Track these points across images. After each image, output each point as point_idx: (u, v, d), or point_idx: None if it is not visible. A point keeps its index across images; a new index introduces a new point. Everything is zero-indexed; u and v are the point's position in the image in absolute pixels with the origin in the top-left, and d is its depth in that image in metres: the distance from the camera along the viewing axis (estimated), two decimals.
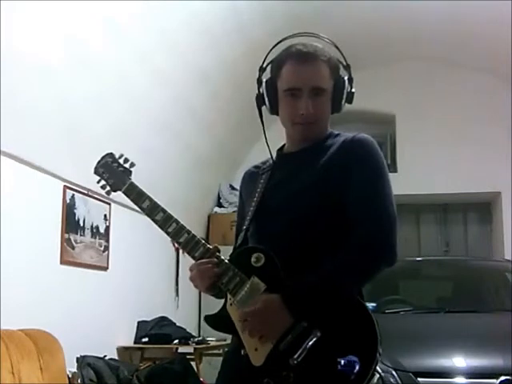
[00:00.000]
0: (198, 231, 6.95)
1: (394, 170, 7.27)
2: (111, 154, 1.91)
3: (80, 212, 4.54)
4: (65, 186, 4.36)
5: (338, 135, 1.79)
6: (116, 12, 4.18)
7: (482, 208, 7.72)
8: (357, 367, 1.48)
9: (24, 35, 3.57)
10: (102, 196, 4.78)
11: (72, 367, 4.09)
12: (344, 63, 1.78)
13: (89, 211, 4.66)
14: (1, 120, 3.53)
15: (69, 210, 4.41)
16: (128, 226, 5.20)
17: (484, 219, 7.74)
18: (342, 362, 1.48)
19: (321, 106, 1.72)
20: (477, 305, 4.10)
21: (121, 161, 1.88)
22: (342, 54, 1.79)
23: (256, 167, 1.90)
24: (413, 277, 4.68)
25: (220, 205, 7.20)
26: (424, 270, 4.81)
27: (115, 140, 4.66)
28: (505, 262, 5.34)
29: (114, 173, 1.87)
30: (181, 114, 5.65)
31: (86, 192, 4.56)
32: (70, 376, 4.02)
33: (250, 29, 5.62)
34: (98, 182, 1.91)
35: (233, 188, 7.17)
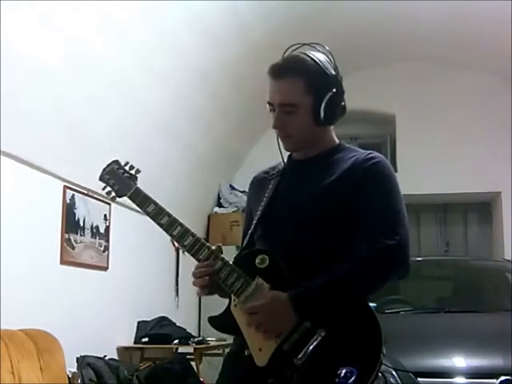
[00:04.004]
0: (198, 231, 6.95)
1: (394, 170, 7.24)
2: (117, 161, 1.92)
3: (80, 212, 4.54)
4: (65, 186, 4.36)
5: (348, 148, 1.80)
6: (116, 12, 4.18)
7: (482, 208, 7.72)
8: (353, 378, 1.48)
9: (24, 35, 3.57)
10: (102, 196, 4.77)
11: (72, 367, 4.09)
12: (332, 74, 1.73)
13: (89, 211, 4.65)
14: (1, 120, 3.54)
15: (69, 210, 4.41)
16: (128, 226, 5.20)
17: (484, 219, 7.74)
18: (342, 372, 1.49)
19: (293, 120, 1.72)
20: (477, 305, 4.10)
21: (126, 167, 1.89)
22: (335, 66, 1.75)
23: (265, 172, 1.91)
24: (413, 277, 4.65)
25: (220, 205, 7.19)
26: (424, 270, 4.81)
27: (115, 140, 4.66)
28: (505, 262, 5.34)
29: (119, 179, 1.88)
30: (181, 114, 5.65)
31: (85, 192, 4.56)
32: (70, 376, 4.02)
33: (249, 29, 5.61)
34: (104, 189, 1.92)
35: (233, 188, 7.17)
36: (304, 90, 1.70)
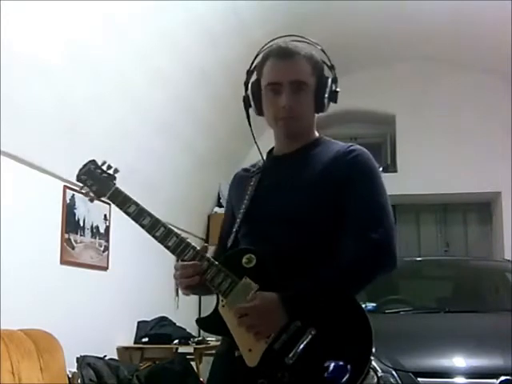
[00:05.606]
0: (198, 231, 6.95)
1: (394, 170, 7.27)
2: (93, 160, 1.89)
3: (80, 212, 4.54)
4: (65, 186, 4.35)
5: (328, 141, 1.80)
6: (116, 12, 4.18)
7: (482, 208, 7.73)
8: (347, 375, 1.48)
9: (24, 35, 3.57)
10: None
11: (72, 367, 4.09)
12: (328, 64, 1.77)
13: (89, 211, 4.65)
14: (1, 120, 3.54)
15: (69, 210, 4.41)
16: (128, 226, 5.16)
17: (484, 219, 7.74)
18: (332, 366, 1.49)
19: (302, 99, 1.71)
20: (477, 305, 4.10)
21: (104, 167, 1.86)
22: (326, 56, 1.78)
23: (245, 170, 1.89)
24: (413, 277, 4.67)
25: (220, 205, 7.19)
26: (424, 270, 4.81)
27: (115, 140, 4.66)
28: (505, 262, 5.34)
29: (97, 179, 1.84)
30: (181, 114, 5.65)
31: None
32: (70, 376, 4.02)
33: (249, 29, 5.61)
34: (81, 189, 1.88)
35: None
36: (311, 71, 1.72)
